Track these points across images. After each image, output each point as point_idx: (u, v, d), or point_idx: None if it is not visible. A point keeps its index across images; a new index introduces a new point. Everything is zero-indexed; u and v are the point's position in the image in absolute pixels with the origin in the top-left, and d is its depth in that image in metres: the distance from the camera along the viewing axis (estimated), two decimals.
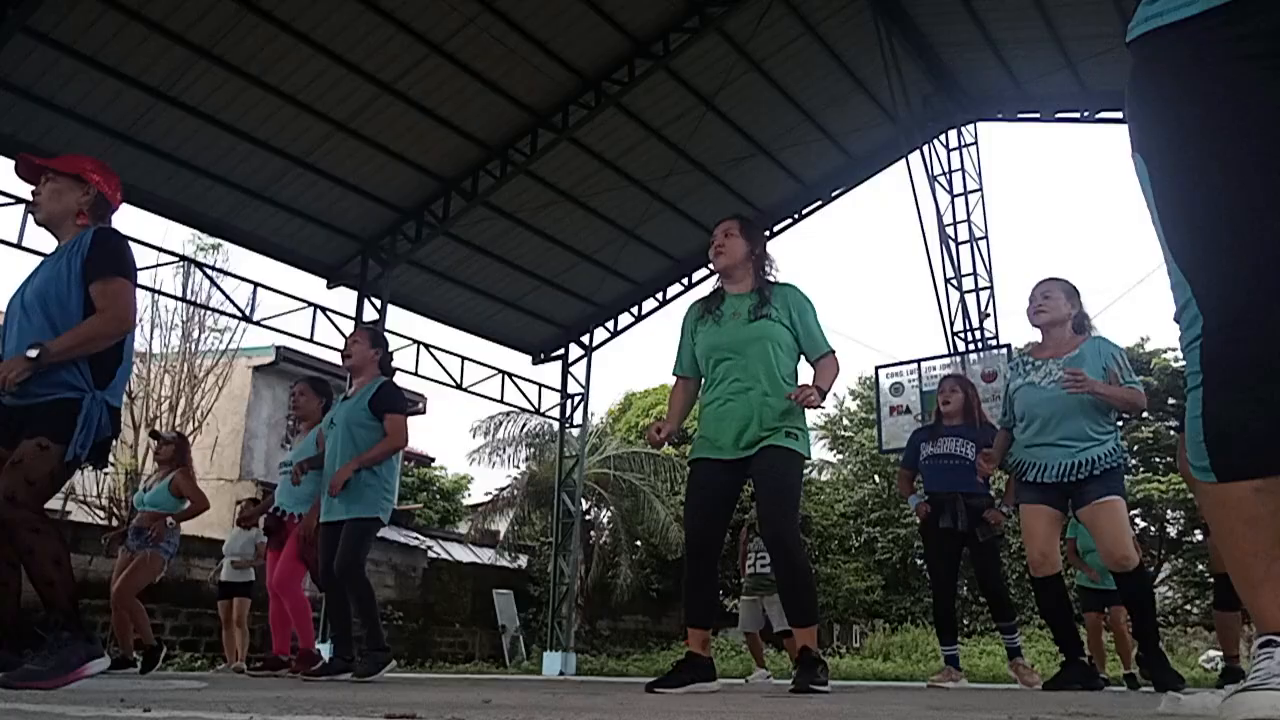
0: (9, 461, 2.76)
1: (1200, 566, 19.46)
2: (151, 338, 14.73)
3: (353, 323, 11.37)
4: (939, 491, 5.29)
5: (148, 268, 10.35)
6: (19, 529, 2.70)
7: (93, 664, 2.70)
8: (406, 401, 5.04)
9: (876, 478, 21.75)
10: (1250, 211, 1.25)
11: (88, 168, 3.10)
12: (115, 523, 12.15)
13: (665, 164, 11.86)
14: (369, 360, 4.77)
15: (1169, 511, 19.58)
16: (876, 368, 12.12)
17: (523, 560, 18.54)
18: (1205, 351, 1.29)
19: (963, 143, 13.69)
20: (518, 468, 18.82)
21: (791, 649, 5.67)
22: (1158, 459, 19.48)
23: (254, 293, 11.15)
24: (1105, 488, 4.01)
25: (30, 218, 8.55)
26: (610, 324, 14.54)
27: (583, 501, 16.26)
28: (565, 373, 14.76)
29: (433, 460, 24.77)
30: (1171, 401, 19.83)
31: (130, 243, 3.08)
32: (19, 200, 8.66)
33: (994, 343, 12.40)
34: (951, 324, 12.79)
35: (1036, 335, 4.45)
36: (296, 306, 11.33)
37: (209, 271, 11.78)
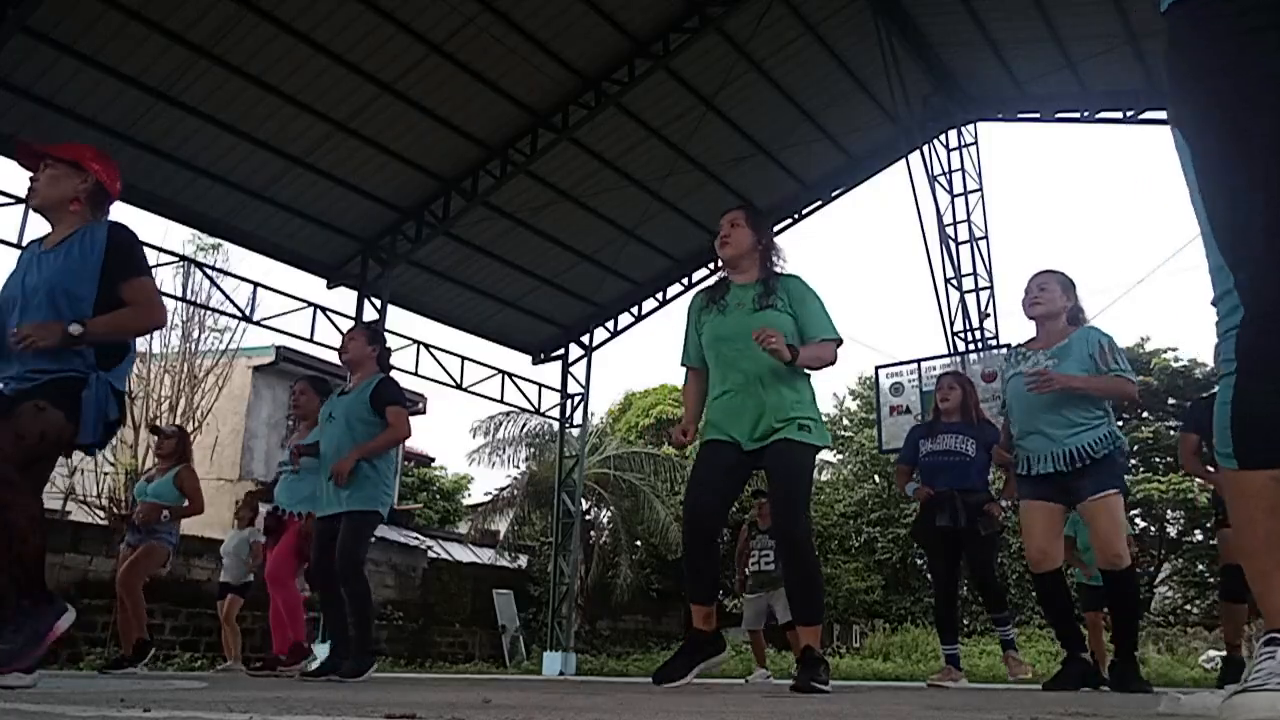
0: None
1: (1200, 566, 19.47)
2: (151, 338, 14.72)
3: (352, 323, 11.37)
4: (937, 489, 5.29)
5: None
6: None
7: (61, 621, 2.63)
8: (406, 396, 5.05)
9: (876, 478, 21.74)
10: (1265, 194, 1.24)
11: (87, 156, 3.10)
12: (114, 527, 12.14)
13: (665, 164, 11.86)
14: (366, 356, 4.76)
15: (1169, 511, 19.58)
16: (876, 368, 12.13)
17: (523, 560, 18.53)
18: (1240, 340, 1.30)
19: (963, 143, 13.70)
20: (518, 468, 18.83)
21: (796, 642, 5.67)
22: (1158, 459, 19.47)
23: (254, 293, 11.17)
24: (1101, 482, 3.97)
25: (30, 218, 8.64)
26: (610, 324, 14.55)
27: (583, 501, 16.26)
28: (565, 373, 14.76)
29: (433, 460, 24.78)
30: (1171, 401, 19.83)
31: None
32: (19, 200, 8.66)
33: (994, 343, 12.40)
34: (951, 324, 12.80)
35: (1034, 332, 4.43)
36: (296, 306, 11.35)
37: (209, 271, 11.78)
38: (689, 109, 11.42)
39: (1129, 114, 12.03)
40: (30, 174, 3.08)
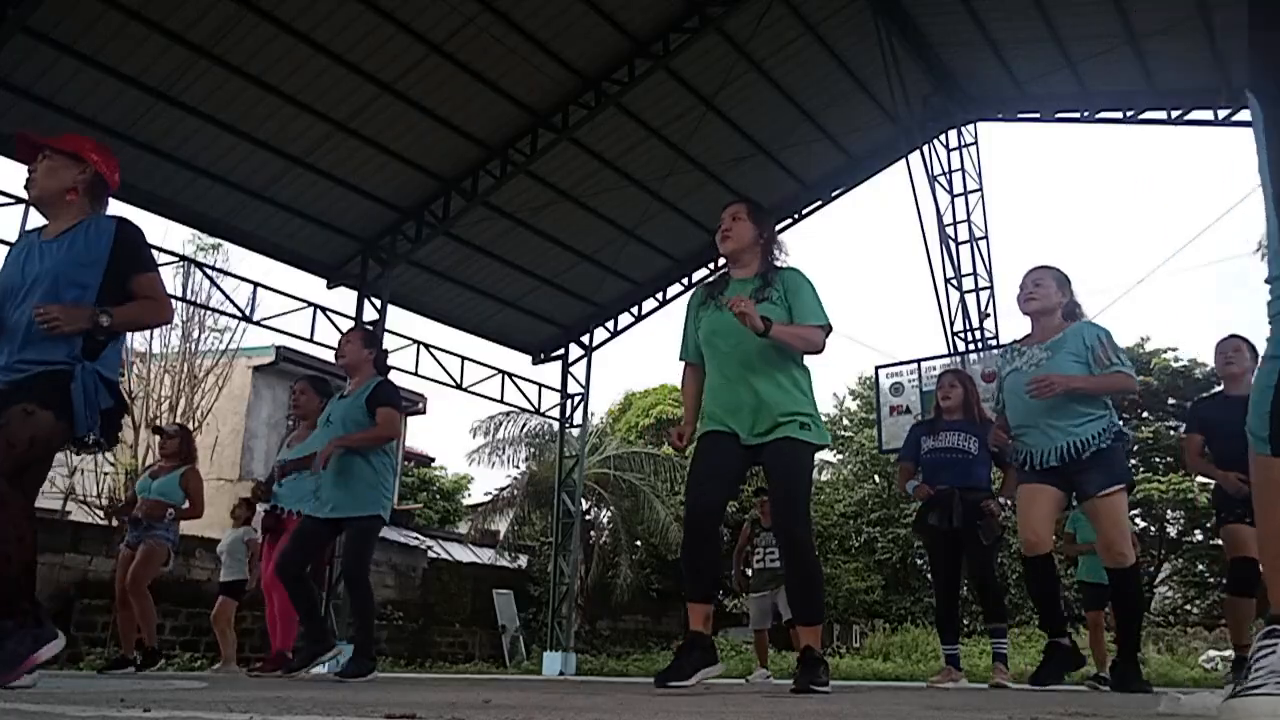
0: None
1: (1200, 566, 19.48)
2: (151, 337, 14.75)
3: (352, 323, 11.36)
4: (939, 486, 5.28)
5: None
6: None
7: (44, 650, 2.54)
8: (403, 400, 5.05)
9: (876, 478, 21.75)
10: None
11: (86, 147, 3.11)
12: (114, 523, 12.14)
13: (665, 164, 11.85)
14: (363, 360, 4.75)
15: (1169, 511, 19.57)
16: (876, 368, 12.13)
17: (523, 560, 18.54)
18: None
19: (963, 143, 13.70)
20: (518, 468, 18.84)
21: (797, 641, 5.67)
22: (1158, 459, 19.47)
23: (254, 293, 11.16)
24: (1105, 477, 3.96)
25: (30, 217, 8.63)
26: (610, 324, 14.54)
27: (583, 501, 16.25)
28: (565, 373, 14.75)
29: (433, 460, 24.80)
30: (1171, 401, 19.83)
31: None
32: (19, 200, 8.66)
33: (994, 343, 12.40)
34: (951, 324, 12.80)
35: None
36: (296, 306, 11.34)
37: (209, 271, 11.78)
38: (689, 109, 11.41)
39: (1129, 114, 12.03)
40: (28, 166, 3.08)
